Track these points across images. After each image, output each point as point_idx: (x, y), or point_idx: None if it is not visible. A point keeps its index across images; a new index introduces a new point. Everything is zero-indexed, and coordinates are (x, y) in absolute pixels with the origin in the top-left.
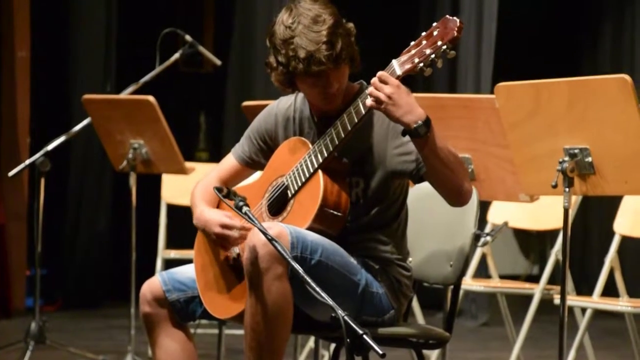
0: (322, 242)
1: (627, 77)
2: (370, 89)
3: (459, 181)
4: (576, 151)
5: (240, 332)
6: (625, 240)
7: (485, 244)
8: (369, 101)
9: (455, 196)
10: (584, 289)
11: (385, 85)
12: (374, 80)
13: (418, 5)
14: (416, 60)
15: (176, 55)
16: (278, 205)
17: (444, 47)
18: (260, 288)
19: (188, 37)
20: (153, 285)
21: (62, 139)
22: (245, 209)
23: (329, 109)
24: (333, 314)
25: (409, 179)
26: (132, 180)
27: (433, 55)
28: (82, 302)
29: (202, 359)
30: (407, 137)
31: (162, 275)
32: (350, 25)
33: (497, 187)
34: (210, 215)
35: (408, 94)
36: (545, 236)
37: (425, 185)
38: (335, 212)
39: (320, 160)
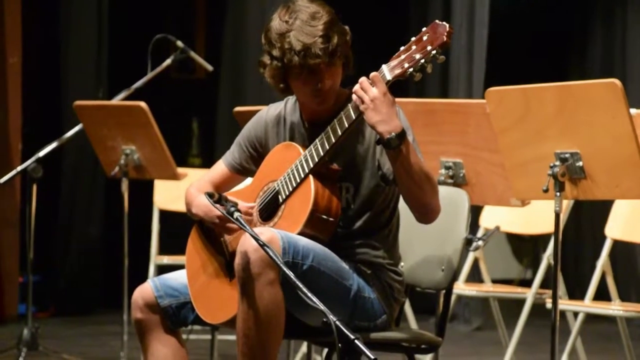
0: (313, 247)
1: (617, 81)
2: (357, 87)
3: (425, 199)
4: (567, 155)
5: (233, 337)
6: (616, 244)
7: (477, 248)
8: (354, 96)
9: (420, 213)
10: (577, 293)
11: (372, 88)
12: (363, 79)
13: (409, 10)
14: (406, 65)
15: (168, 61)
16: (269, 210)
17: (434, 52)
18: (252, 293)
19: (180, 43)
20: (145, 291)
21: (54, 145)
22: (236, 214)
23: (320, 109)
24: (325, 319)
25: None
26: (124, 186)
27: (423, 60)
28: (75, 309)
29: None
30: None
31: (154, 281)
32: (347, 27)
33: (489, 192)
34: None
35: (391, 104)
36: (539, 240)
37: None
38: (326, 217)
39: (311, 165)
